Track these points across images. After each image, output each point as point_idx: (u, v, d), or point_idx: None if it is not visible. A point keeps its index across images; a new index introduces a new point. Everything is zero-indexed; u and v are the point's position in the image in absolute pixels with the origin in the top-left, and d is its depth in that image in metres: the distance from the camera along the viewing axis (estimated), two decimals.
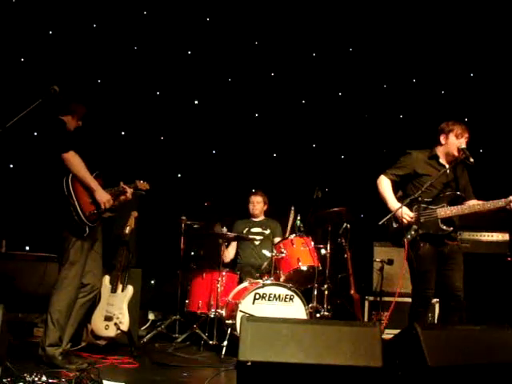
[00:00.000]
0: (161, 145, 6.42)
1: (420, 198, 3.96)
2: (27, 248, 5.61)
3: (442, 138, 4.23)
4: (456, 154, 4.17)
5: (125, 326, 4.58)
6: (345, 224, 5.55)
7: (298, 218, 5.37)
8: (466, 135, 4.20)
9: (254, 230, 5.82)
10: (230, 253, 5.81)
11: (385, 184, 4.27)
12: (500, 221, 5.55)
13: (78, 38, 6.07)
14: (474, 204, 4.10)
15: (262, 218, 5.91)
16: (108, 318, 4.57)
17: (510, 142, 6.61)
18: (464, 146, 4.14)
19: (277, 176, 6.53)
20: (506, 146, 6.63)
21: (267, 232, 5.79)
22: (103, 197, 3.87)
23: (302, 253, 5.14)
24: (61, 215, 3.80)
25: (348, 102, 6.91)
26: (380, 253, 5.86)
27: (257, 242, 5.71)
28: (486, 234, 5.88)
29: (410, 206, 4.07)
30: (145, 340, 5.08)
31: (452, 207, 4.08)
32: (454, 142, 4.18)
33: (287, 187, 6.47)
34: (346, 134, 6.83)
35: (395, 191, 4.30)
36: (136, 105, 6.26)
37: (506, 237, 5.78)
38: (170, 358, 4.49)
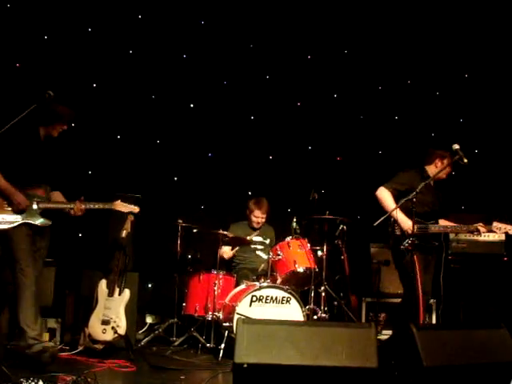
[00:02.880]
0: (157, 148, 6.43)
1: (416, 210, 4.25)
2: None
3: (438, 161, 4.66)
4: (444, 176, 4.68)
5: (122, 330, 4.57)
6: (341, 226, 5.56)
7: (295, 219, 5.37)
8: None
9: (255, 239, 5.73)
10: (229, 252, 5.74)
11: (390, 199, 4.57)
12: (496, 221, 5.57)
13: (73, 43, 6.07)
14: (455, 226, 4.64)
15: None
16: (105, 322, 4.56)
17: (505, 142, 6.64)
18: (457, 146, 4.18)
19: (273, 178, 6.53)
20: (502, 147, 6.65)
21: (267, 242, 5.76)
22: (16, 198, 3.96)
23: (299, 255, 5.13)
24: None
25: (343, 103, 6.92)
26: (377, 254, 5.87)
27: (258, 252, 5.70)
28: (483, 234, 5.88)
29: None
30: (142, 343, 5.07)
31: (439, 225, 4.61)
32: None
33: (283, 189, 6.47)
34: (342, 135, 6.84)
35: None
36: (132, 108, 6.26)
37: (502, 237, 5.79)
38: (167, 362, 4.49)
